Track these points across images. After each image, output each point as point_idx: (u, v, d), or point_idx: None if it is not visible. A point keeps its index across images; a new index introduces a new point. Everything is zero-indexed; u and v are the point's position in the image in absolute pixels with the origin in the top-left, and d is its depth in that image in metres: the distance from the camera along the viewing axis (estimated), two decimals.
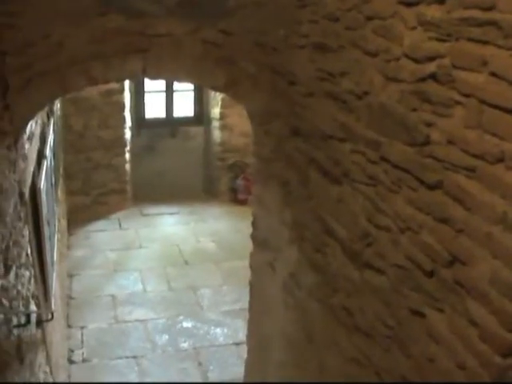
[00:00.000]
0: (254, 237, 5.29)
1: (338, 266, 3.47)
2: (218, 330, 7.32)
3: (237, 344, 6.97)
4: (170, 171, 10.96)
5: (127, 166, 10.70)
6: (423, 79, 2.46)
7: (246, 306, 5.81)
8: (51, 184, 6.36)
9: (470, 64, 2.14)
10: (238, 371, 6.25)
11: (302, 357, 4.23)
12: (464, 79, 2.18)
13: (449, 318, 2.38)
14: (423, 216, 2.52)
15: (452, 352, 2.35)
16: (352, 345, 3.35)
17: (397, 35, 2.65)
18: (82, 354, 6.92)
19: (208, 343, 7.03)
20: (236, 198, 11.14)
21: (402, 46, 2.62)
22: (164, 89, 11.10)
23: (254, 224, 5.27)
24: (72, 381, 6.53)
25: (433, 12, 2.35)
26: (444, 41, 2.29)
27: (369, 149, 2.95)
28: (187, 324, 7.36)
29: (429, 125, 2.43)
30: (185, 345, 6.80)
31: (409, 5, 2.52)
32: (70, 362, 6.77)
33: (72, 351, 6.96)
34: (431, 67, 2.39)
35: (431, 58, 2.39)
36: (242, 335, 6.71)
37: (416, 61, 2.50)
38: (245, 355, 6.07)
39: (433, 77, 2.38)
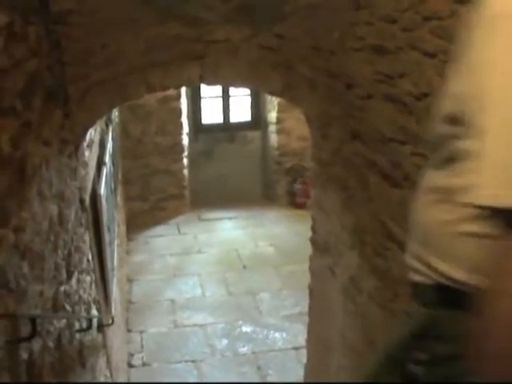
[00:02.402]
0: (313, 241, 5.28)
1: (398, 270, 3.43)
2: (277, 335, 7.28)
3: (296, 348, 6.95)
4: (228, 176, 11.00)
5: (185, 172, 10.77)
6: None
7: (306, 310, 5.80)
8: (111, 190, 6.43)
9: None
10: (298, 376, 6.23)
11: (362, 361, 4.20)
12: None
13: None
14: None
15: None
16: None
17: (455, 35, 2.61)
18: (142, 358, 6.98)
19: (267, 348, 7.02)
20: (294, 202, 11.11)
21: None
22: (220, 94, 11.12)
23: (313, 228, 5.26)
24: None
25: None
26: None
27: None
28: (246, 328, 7.35)
29: None
30: (244, 349, 6.80)
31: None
32: (130, 365, 6.83)
33: (132, 355, 7.03)
34: None
35: None
36: (301, 339, 6.68)
37: None
38: (304, 360, 6.05)
39: None
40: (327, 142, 4.52)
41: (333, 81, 4.17)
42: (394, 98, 3.29)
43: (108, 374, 5.02)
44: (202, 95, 11.22)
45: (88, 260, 4.38)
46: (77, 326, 3.71)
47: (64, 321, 3.27)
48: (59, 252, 3.22)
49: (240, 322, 7.55)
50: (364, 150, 3.81)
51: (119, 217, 8.01)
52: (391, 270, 3.54)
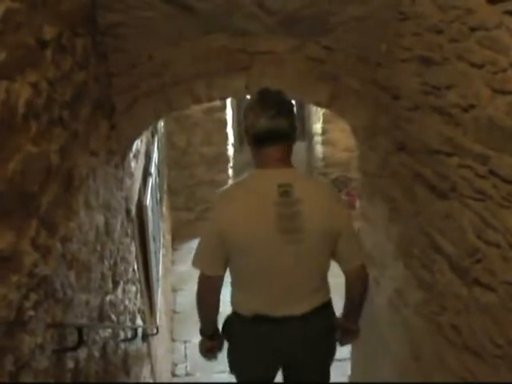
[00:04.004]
0: None
1: (445, 283, 3.39)
2: None
3: (340, 360, 6.88)
4: None
5: (230, 182, 10.79)
6: None
7: None
8: (156, 200, 6.49)
9: None
10: None
11: (407, 374, 4.15)
12: None
13: None
14: None
15: None
16: (460, 363, 3.26)
17: (503, 46, 2.58)
18: (186, 367, 7.00)
19: None
20: None
21: (508, 56, 2.54)
22: None
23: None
24: None
25: None
26: None
27: (477, 163, 2.87)
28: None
29: None
30: None
31: None
32: (174, 375, 6.86)
33: (176, 365, 7.05)
34: None
35: None
36: (345, 351, 6.62)
37: None
38: (348, 372, 6.00)
39: None
40: (373, 153, 4.50)
41: (379, 92, 4.15)
42: (440, 110, 3.26)
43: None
44: None
45: (133, 270, 4.42)
46: (122, 335, 3.74)
47: (109, 330, 3.29)
48: (105, 262, 3.25)
49: None
50: (410, 162, 3.78)
51: (164, 227, 8.07)
52: (438, 283, 3.50)
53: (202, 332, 3.31)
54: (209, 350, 3.36)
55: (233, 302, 3.19)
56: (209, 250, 2.95)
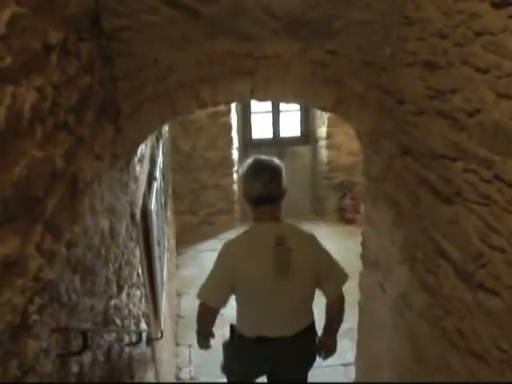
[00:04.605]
0: (363, 257, 5.25)
1: (450, 288, 3.39)
2: None
3: (345, 365, 6.87)
4: None
5: (235, 187, 10.80)
6: None
7: (354, 326, 5.74)
8: (161, 205, 6.49)
9: None
10: None
11: (412, 379, 4.15)
12: None
13: None
14: None
15: None
16: (464, 368, 3.26)
17: (508, 50, 2.58)
18: (190, 371, 6.99)
19: (315, 364, 6.92)
20: (344, 217, 11.05)
21: None
22: (270, 109, 11.14)
23: (363, 244, 5.23)
24: None
25: None
26: None
27: (482, 167, 2.87)
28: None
29: None
30: None
31: None
32: (178, 379, 6.85)
33: (180, 369, 7.04)
34: None
35: None
36: (349, 356, 6.62)
37: None
38: (353, 376, 6.01)
39: None
40: (378, 157, 4.50)
41: (384, 96, 4.15)
42: (445, 114, 3.26)
43: None
44: (252, 110, 11.26)
45: (138, 274, 4.42)
46: (126, 339, 3.74)
47: (114, 334, 3.29)
48: (110, 266, 3.25)
49: None
50: (415, 166, 3.78)
51: (169, 231, 8.07)
52: (442, 288, 3.50)
53: (198, 332, 4.23)
54: (205, 343, 4.30)
55: (238, 327, 4.09)
56: (214, 289, 3.87)
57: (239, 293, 3.88)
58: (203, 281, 3.96)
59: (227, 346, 4.27)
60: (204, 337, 4.25)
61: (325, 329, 4.26)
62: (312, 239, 3.90)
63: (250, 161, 3.83)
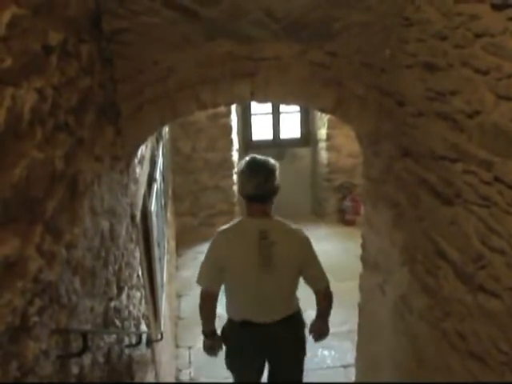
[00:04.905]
0: (363, 258, 5.25)
1: (450, 289, 3.39)
2: (326, 353, 7.19)
3: (345, 367, 6.87)
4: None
5: (235, 188, 10.79)
6: None
7: (354, 327, 5.75)
8: (161, 206, 6.49)
9: None
10: None
11: (412, 380, 4.15)
12: None
13: None
14: None
15: None
16: (465, 370, 3.26)
17: (508, 52, 2.58)
18: (190, 373, 6.97)
19: (315, 366, 6.94)
20: (343, 219, 11.05)
21: None
22: (270, 111, 11.16)
23: (363, 246, 5.23)
24: None
25: None
26: None
27: (481, 169, 2.87)
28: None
29: None
30: None
31: None
32: (178, 381, 6.83)
33: (180, 370, 7.02)
34: None
35: None
36: (349, 358, 6.62)
37: None
38: (353, 378, 6.01)
39: None
40: (378, 159, 4.50)
41: (384, 98, 4.15)
42: (445, 116, 3.26)
43: None
44: (252, 112, 11.27)
45: (138, 276, 4.42)
46: (126, 341, 3.74)
47: (114, 336, 3.29)
48: (110, 268, 3.25)
49: None
50: (415, 168, 3.78)
51: (169, 232, 8.06)
52: (442, 289, 3.50)
53: (203, 332, 4.47)
54: (210, 348, 4.56)
55: (227, 311, 4.45)
56: (208, 273, 4.24)
57: (226, 279, 4.24)
58: (200, 266, 4.34)
59: (223, 338, 4.54)
60: (209, 336, 4.48)
61: (317, 315, 4.54)
62: (299, 236, 4.21)
63: (247, 159, 4.16)
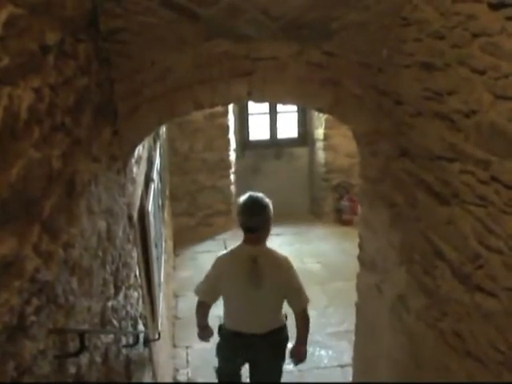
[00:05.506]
0: (360, 258, 5.25)
1: (447, 289, 3.39)
2: (323, 352, 7.20)
3: (342, 366, 6.87)
4: (275, 192, 10.85)
5: (232, 188, 10.80)
6: None
7: (352, 327, 5.76)
8: (158, 206, 6.49)
9: None
10: None
11: (409, 380, 4.15)
12: None
13: None
14: None
15: None
16: (462, 370, 3.26)
17: (505, 52, 2.59)
18: (187, 373, 6.96)
19: (313, 365, 6.94)
20: (341, 219, 11.06)
21: (510, 62, 2.55)
22: (267, 111, 11.16)
23: (360, 245, 5.23)
24: None
25: None
26: None
27: (479, 169, 2.88)
28: (291, 346, 7.23)
29: None
30: (289, 366, 6.69)
31: None
32: (175, 381, 6.83)
33: (177, 370, 7.02)
34: None
35: None
36: (347, 357, 6.63)
37: None
38: (350, 378, 6.01)
39: None
40: (375, 159, 4.50)
41: (381, 98, 4.15)
42: (442, 116, 3.26)
43: None
44: (249, 112, 11.26)
45: (135, 276, 4.41)
46: (124, 341, 3.73)
47: (111, 336, 3.29)
48: (107, 268, 3.25)
49: None
50: (412, 168, 3.78)
51: (166, 233, 8.06)
52: (439, 289, 3.50)
53: (198, 326, 5.18)
54: (202, 336, 5.26)
55: (223, 320, 5.13)
56: (205, 288, 4.97)
57: (223, 295, 5.00)
58: (200, 281, 5.06)
59: (219, 334, 5.23)
60: (201, 329, 5.19)
61: (296, 339, 5.05)
62: (283, 261, 4.87)
63: (245, 197, 4.80)
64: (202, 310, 5.05)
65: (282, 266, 4.83)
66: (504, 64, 2.59)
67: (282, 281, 4.79)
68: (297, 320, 4.92)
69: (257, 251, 4.79)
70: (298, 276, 4.94)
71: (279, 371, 5.31)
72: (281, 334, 5.04)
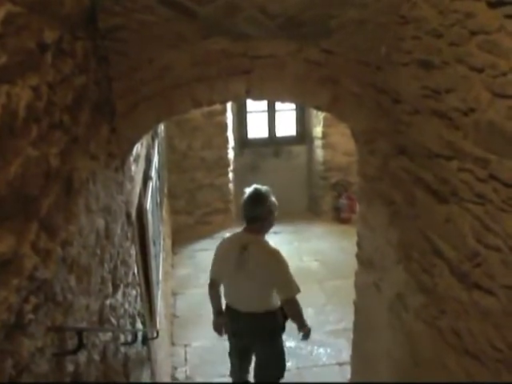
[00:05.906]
0: (358, 256, 5.25)
1: (445, 287, 3.39)
2: (322, 350, 7.21)
3: (340, 364, 6.88)
4: (273, 190, 10.95)
5: (230, 186, 10.80)
6: None
7: (350, 325, 5.76)
8: (156, 204, 6.48)
9: None
10: None
11: (408, 379, 4.15)
12: None
13: None
14: None
15: None
16: (460, 367, 3.26)
17: (503, 50, 2.58)
18: (185, 371, 6.97)
19: (311, 363, 6.95)
20: (339, 217, 11.06)
21: (509, 60, 2.55)
22: (266, 109, 11.15)
23: (358, 243, 5.23)
24: None
25: None
26: None
27: (477, 167, 2.87)
28: (290, 344, 7.15)
29: None
30: (288, 364, 6.70)
31: None
32: (174, 379, 6.83)
33: (175, 368, 7.02)
34: None
35: None
36: (345, 355, 6.63)
37: None
38: (348, 376, 6.01)
39: None
40: (373, 157, 4.50)
41: (380, 96, 4.15)
42: (440, 114, 3.26)
43: None
44: (247, 110, 11.26)
45: (133, 274, 4.41)
46: (122, 339, 3.73)
47: (109, 334, 3.29)
48: (105, 266, 3.25)
49: (284, 338, 7.50)
50: (411, 166, 3.78)
51: (165, 231, 8.06)
52: (438, 287, 3.50)
53: (213, 311, 5.67)
54: (216, 325, 5.70)
55: (224, 298, 5.60)
56: (212, 266, 5.55)
57: (220, 274, 5.51)
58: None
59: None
60: (215, 315, 5.67)
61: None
62: (272, 253, 5.16)
63: (250, 188, 5.26)
64: (213, 288, 5.57)
65: (270, 257, 5.15)
66: (502, 62, 2.59)
67: (268, 270, 5.11)
68: (284, 307, 5.30)
69: (250, 240, 5.18)
70: (288, 270, 5.14)
71: (275, 358, 5.76)
72: (266, 319, 5.36)
